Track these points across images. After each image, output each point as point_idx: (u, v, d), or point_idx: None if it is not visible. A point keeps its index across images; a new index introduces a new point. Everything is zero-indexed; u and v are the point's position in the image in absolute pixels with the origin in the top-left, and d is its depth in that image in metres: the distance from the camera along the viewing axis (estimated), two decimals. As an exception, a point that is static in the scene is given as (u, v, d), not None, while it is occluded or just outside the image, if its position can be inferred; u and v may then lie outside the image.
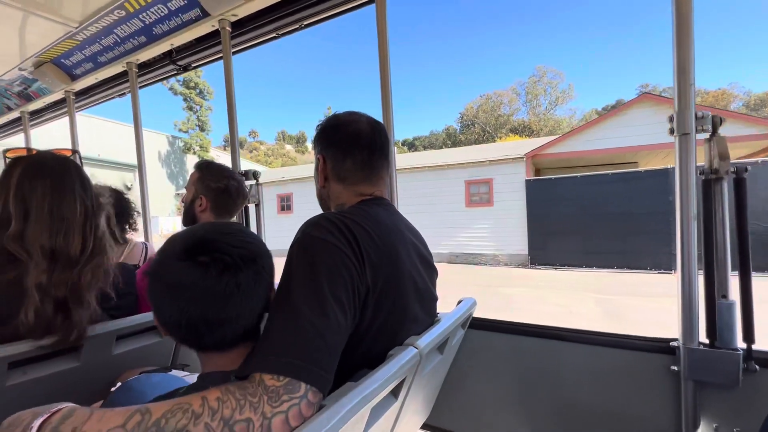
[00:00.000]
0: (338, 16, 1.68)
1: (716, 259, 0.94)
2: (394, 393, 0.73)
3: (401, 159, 15.45)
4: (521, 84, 38.79)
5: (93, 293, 0.91)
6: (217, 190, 1.39)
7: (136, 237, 1.79)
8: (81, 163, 0.98)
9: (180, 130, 26.11)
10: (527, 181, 10.40)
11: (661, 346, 1.03)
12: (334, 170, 0.87)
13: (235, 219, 1.55)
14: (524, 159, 10.56)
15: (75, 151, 0.97)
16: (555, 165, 12.57)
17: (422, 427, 1.34)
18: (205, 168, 1.43)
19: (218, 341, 0.59)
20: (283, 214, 14.48)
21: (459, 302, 1.14)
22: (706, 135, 0.96)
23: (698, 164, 0.96)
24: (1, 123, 3.41)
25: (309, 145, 55.73)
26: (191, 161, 24.14)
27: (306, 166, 19.54)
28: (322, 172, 0.89)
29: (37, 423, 0.49)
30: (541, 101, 37.67)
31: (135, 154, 2.31)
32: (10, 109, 3.10)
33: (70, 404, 0.53)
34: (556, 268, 9.73)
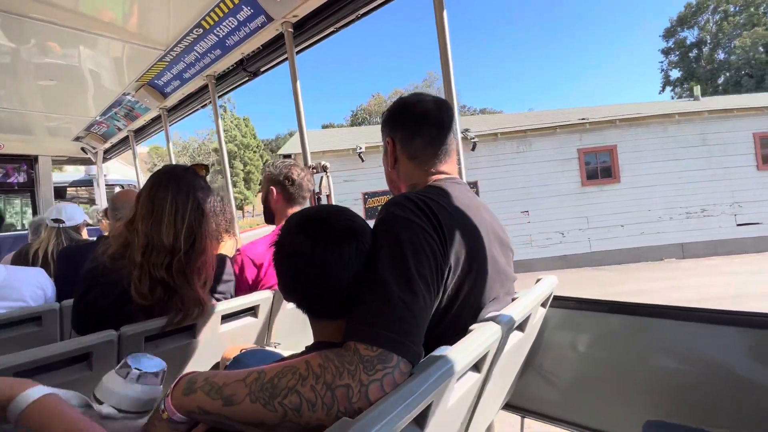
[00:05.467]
0: (392, 1, 1.67)
1: None
2: (477, 368, 0.73)
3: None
4: (415, 87, 39.24)
5: (196, 279, 1.04)
6: (284, 181, 1.51)
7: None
8: (207, 173, 1.16)
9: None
10: None
11: None
12: (404, 150, 0.90)
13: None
14: None
15: (205, 166, 1.16)
16: None
17: (503, 408, 1.32)
18: (271, 165, 1.58)
19: (326, 308, 0.65)
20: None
21: (537, 281, 1.10)
22: None
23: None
24: (114, 143, 4.02)
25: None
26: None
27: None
28: (391, 154, 0.92)
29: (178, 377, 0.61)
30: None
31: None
32: (119, 129, 3.63)
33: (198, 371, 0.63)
34: None
